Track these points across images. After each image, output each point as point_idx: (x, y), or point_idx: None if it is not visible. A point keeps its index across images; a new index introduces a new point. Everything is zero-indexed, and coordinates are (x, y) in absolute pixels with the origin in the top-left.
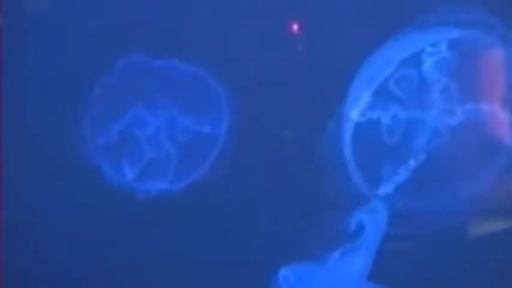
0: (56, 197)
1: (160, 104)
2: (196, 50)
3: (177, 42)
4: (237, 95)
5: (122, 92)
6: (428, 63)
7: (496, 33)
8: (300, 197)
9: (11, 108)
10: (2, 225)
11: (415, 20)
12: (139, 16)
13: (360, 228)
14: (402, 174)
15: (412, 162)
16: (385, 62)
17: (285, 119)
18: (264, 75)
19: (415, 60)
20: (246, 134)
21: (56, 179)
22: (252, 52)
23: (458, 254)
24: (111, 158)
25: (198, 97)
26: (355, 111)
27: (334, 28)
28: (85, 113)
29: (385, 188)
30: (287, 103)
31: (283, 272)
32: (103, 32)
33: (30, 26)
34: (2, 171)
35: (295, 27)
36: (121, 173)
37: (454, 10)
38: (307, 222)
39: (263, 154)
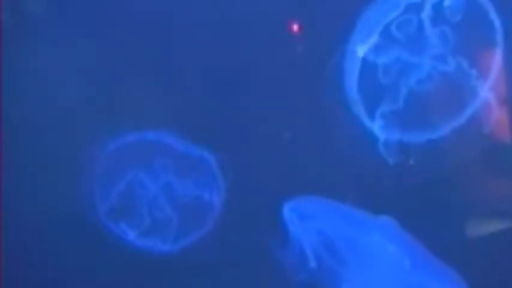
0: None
1: (158, 169)
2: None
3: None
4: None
5: (121, 159)
6: (431, 9)
7: None
8: None
9: (10, 109)
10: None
11: None
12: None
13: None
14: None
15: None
16: (391, 5)
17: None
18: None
19: (419, 5)
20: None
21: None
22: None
23: (457, 254)
24: (112, 218)
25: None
26: (362, 48)
27: (333, 28)
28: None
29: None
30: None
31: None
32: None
33: (32, 27)
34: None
35: (295, 28)
36: (122, 233)
37: None
38: None
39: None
